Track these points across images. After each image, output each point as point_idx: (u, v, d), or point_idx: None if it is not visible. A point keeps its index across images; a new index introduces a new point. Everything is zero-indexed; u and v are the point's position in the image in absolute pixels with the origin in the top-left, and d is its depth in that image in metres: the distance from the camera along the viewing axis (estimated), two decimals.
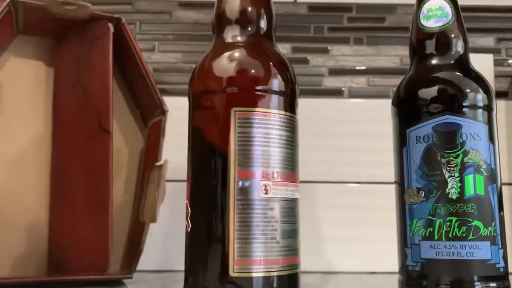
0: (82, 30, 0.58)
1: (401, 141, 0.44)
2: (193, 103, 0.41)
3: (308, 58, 0.76)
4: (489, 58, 0.75)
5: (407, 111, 0.44)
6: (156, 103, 0.59)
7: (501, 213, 0.42)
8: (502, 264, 0.41)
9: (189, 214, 0.38)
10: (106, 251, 0.52)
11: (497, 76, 0.74)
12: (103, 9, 0.60)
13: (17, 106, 0.59)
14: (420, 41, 0.46)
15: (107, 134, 0.54)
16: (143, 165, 0.61)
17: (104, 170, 0.54)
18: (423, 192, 0.42)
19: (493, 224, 0.41)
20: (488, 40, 0.76)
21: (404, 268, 0.43)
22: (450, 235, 0.40)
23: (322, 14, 0.77)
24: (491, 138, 0.43)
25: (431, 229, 0.41)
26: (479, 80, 0.45)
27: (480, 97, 0.43)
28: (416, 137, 0.43)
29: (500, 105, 0.74)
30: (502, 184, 0.44)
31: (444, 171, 0.41)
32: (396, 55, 0.75)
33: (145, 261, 0.58)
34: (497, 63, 0.75)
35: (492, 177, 0.42)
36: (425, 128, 0.42)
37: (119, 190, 0.59)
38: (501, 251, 0.41)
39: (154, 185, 0.58)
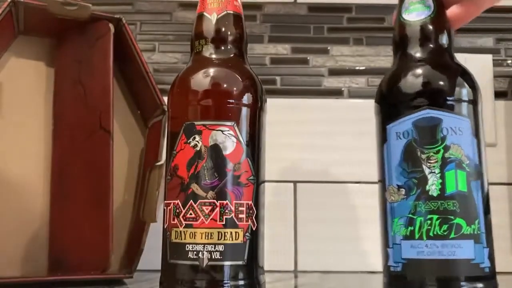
0: (82, 31, 0.58)
1: (382, 138, 0.43)
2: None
3: (308, 58, 0.76)
4: (488, 58, 0.75)
5: (388, 106, 0.43)
6: (157, 103, 0.59)
7: (487, 211, 0.41)
8: (487, 264, 0.39)
9: (254, 214, 0.42)
10: (107, 250, 0.52)
11: (496, 76, 0.74)
12: (104, 9, 0.60)
13: (18, 106, 0.59)
14: (403, 36, 0.44)
15: (108, 134, 0.55)
16: (143, 165, 0.61)
17: (105, 170, 0.54)
18: (404, 190, 0.40)
19: (476, 222, 0.39)
20: (488, 40, 0.76)
21: (386, 269, 0.42)
22: (431, 234, 0.39)
23: (322, 14, 0.77)
24: (475, 133, 0.41)
25: (412, 228, 0.39)
26: (462, 73, 0.43)
27: (462, 91, 0.41)
28: (396, 133, 0.41)
29: (499, 105, 0.74)
30: (489, 183, 0.42)
31: (424, 167, 0.40)
32: None
33: (146, 260, 0.58)
34: (496, 63, 0.75)
35: (476, 173, 0.40)
36: (405, 123, 0.41)
37: (120, 190, 0.59)
38: (486, 250, 0.39)
39: (154, 185, 0.58)
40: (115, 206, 0.54)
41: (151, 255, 0.55)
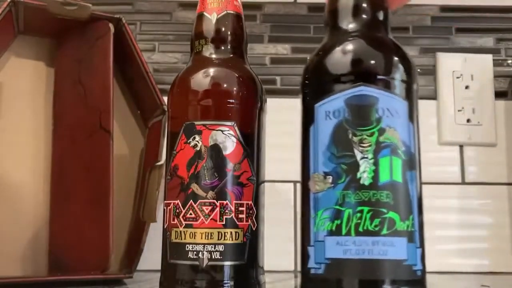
0: (82, 30, 0.58)
1: (308, 119, 0.38)
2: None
3: (308, 58, 0.76)
4: (488, 58, 0.75)
5: (317, 83, 0.38)
6: (157, 103, 0.59)
7: (421, 207, 0.36)
8: (419, 266, 0.35)
9: (254, 214, 0.42)
10: (107, 250, 0.52)
11: (496, 76, 0.74)
12: (104, 9, 0.60)
13: (18, 106, 0.59)
14: (336, 7, 0.40)
15: (108, 134, 0.55)
16: (143, 165, 0.61)
17: (105, 170, 0.54)
18: (331, 177, 0.35)
19: (410, 217, 0.35)
20: (488, 40, 0.76)
21: (305, 272, 0.36)
22: (360, 229, 0.34)
23: (322, 14, 0.77)
24: (411, 117, 0.37)
25: (339, 222, 0.34)
26: (399, 51, 0.39)
27: (400, 69, 0.37)
28: (326, 112, 0.36)
29: (499, 105, 0.74)
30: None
31: (355, 151, 0.35)
32: None
33: (146, 260, 0.58)
34: (496, 63, 0.75)
35: (411, 162, 0.36)
36: (336, 101, 0.36)
37: (120, 190, 0.59)
38: (419, 251, 0.35)
39: (154, 185, 0.58)
40: (115, 206, 0.54)
41: (151, 255, 0.55)
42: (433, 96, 0.75)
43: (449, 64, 0.74)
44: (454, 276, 0.67)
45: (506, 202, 0.71)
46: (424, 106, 0.74)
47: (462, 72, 0.74)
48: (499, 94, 0.74)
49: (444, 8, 0.77)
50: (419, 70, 0.76)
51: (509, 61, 0.76)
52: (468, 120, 0.73)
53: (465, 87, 0.74)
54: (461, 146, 0.73)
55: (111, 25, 0.57)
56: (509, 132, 0.73)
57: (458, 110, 0.73)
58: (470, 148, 0.73)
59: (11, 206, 0.57)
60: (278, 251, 0.71)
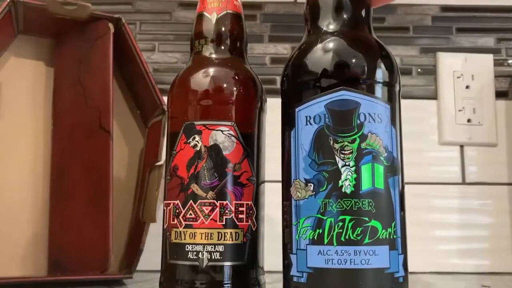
0: (82, 30, 0.58)
1: (289, 122, 0.37)
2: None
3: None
4: (489, 58, 0.75)
5: (297, 85, 0.37)
6: (156, 103, 0.59)
7: (402, 212, 0.36)
8: (401, 273, 0.34)
9: (254, 215, 0.42)
10: (107, 251, 0.52)
11: (497, 76, 0.74)
12: (103, 9, 0.60)
13: (17, 106, 0.59)
14: (316, 4, 0.39)
15: (107, 134, 0.54)
16: (143, 165, 0.61)
17: (104, 170, 0.54)
18: (312, 185, 0.35)
19: (393, 224, 0.34)
20: (488, 40, 0.76)
21: (287, 280, 0.36)
22: (342, 239, 0.33)
23: None
24: (393, 121, 0.36)
25: (320, 231, 0.34)
26: (382, 51, 0.37)
27: (383, 71, 0.36)
28: (306, 117, 0.35)
29: (500, 105, 0.74)
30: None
31: (337, 159, 0.34)
32: (396, 55, 0.76)
33: (145, 261, 0.58)
34: (497, 63, 0.75)
35: (393, 167, 0.35)
36: (317, 106, 0.35)
37: (119, 190, 0.59)
38: (401, 257, 0.34)
39: (154, 185, 0.58)
40: (115, 206, 0.54)
41: (151, 255, 0.55)
42: (434, 96, 0.75)
43: (449, 64, 0.74)
44: (454, 276, 0.67)
45: (506, 202, 0.71)
46: (425, 106, 0.74)
47: (462, 72, 0.74)
48: (500, 94, 0.74)
49: (445, 8, 0.77)
50: (419, 70, 0.76)
51: (510, 61, 0.76)
52: (468, 120, 0.73)
53: (466, 87, 0.74)
54: (461, 146, 0.73)
55: (110, 25, 0.56)
56: (509, 132, 0.73)
57: (459, 110, 0.73)
58: (471, 148, 0.73)
59: (11, 206, 0.56)
60: (279, 251, 0.70)
